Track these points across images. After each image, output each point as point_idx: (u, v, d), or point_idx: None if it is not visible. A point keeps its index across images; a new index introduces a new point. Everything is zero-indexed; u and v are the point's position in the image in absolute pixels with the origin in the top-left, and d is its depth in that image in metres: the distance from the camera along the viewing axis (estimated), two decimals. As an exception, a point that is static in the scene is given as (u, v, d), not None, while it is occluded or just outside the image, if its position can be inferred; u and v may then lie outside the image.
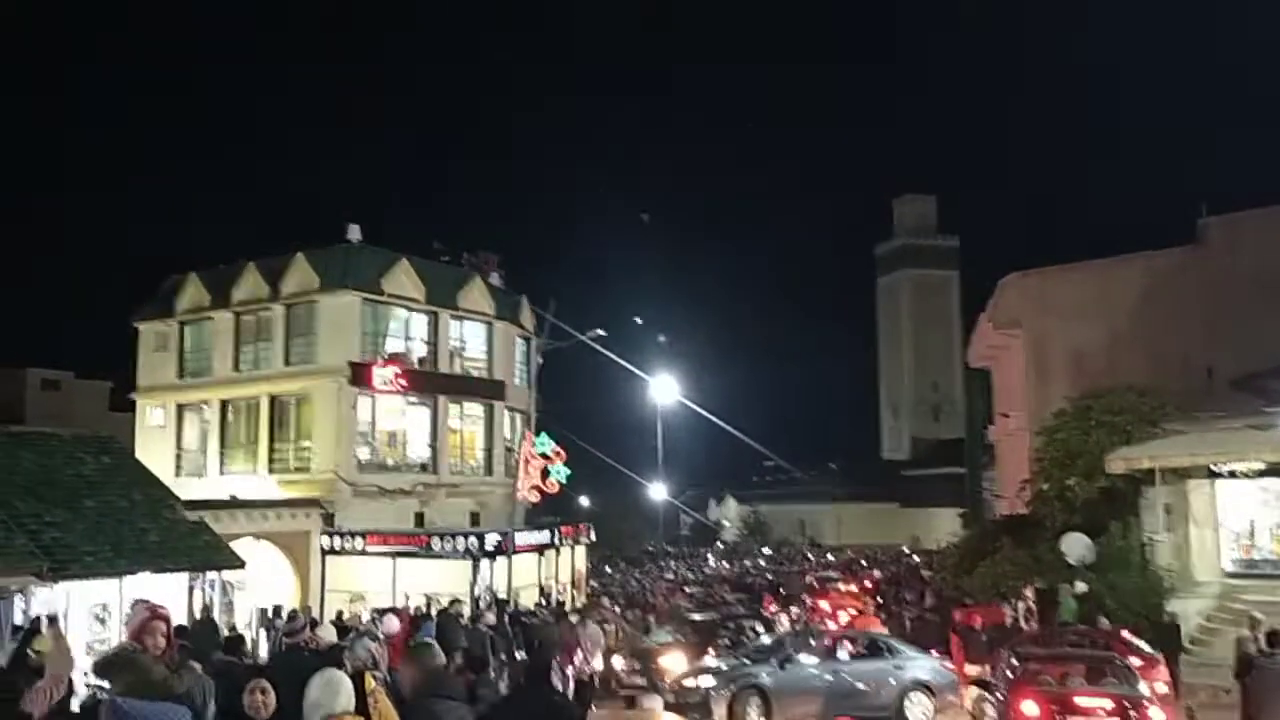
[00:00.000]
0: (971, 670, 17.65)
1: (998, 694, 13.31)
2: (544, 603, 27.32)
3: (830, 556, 67.53)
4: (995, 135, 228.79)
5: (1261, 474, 22.23)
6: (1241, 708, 12.27)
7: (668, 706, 15.90)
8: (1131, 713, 11.59)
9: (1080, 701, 11.95)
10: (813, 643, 17.71)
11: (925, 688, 16.81)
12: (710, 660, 18.38)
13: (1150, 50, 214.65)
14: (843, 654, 17.23)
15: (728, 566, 64.39)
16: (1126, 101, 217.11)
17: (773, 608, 29.14)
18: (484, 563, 27.32)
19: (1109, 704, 11.83)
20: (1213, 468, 22.89)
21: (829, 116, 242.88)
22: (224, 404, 31.67)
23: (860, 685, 16.59)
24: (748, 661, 17.08)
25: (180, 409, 32.80)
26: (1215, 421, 22.98)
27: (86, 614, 18.42)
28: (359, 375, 29.33)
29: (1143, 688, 12.36)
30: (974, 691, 15.98)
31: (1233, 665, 13.53)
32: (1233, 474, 22.80)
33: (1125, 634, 18.48)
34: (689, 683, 16.49)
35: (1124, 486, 23.78)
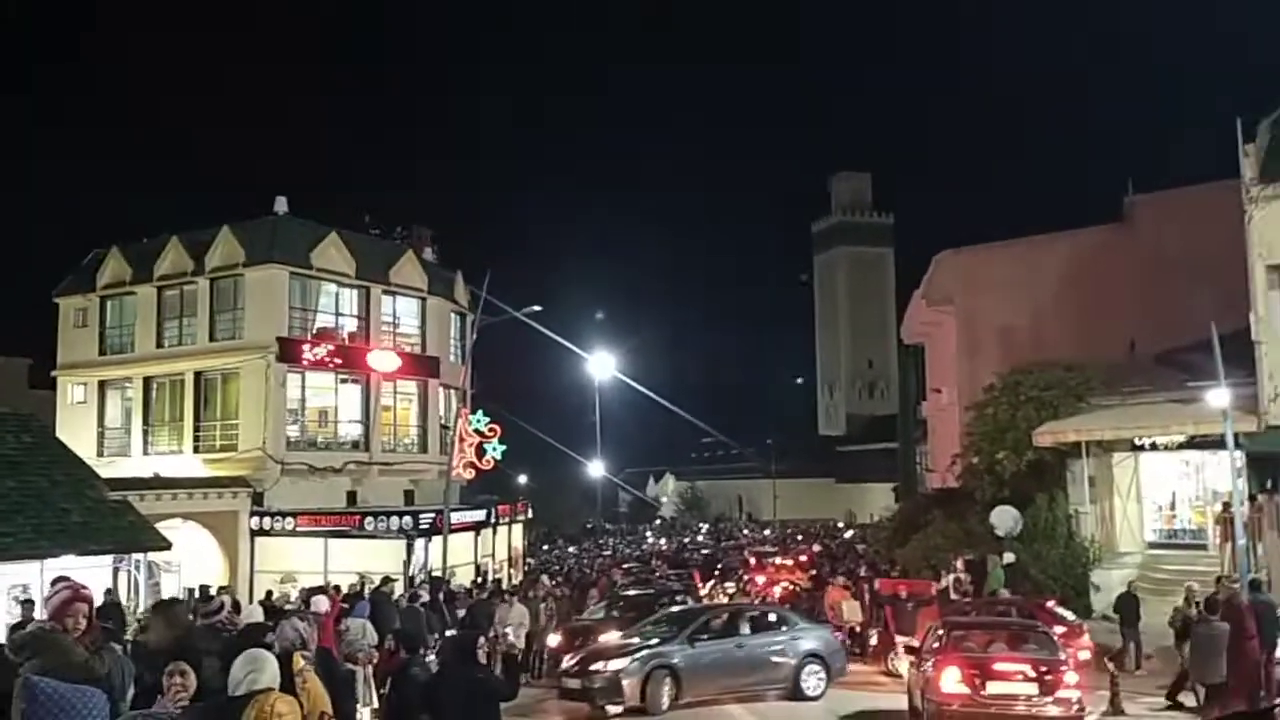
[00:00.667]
0: (901, 639, 17.71)
1: (926, 661, 13.57)
2: (480, 581, 27.14)
3: (767, 532, 68.15)
4: (932, 114, 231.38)
5: (1182, 446, 22.78)
6: (1180, 669, 12.70)
7: (573, 693, 15.42)
8: (1047, 676, 12.08)
9: (999, 667, 12.38)
10: (716, 618, 17.16)
11: (818, 658, 16.65)
12: (615, 637, 17.41)
13: (1088, 31, 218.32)
14: (744, 628, 16.79)
15: (665, 543, 64.74)
16: (1062, 81, 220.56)
17: (703, 586, 29.26)
18: (418, 542, 27.08)
19: (1027, 669, 12.26)
20: (1136, 441, 23.42)
21: (766, 94, 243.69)
22: (147, 381, 30.90)
23: (761, 659, 16.25)
24: (656, 640, 16.08)
25: (102, 386, 31.95)
26: (1139, 396, 23.48)
27: (5, 596, 17.90)
28: (288, 351, 28.78)
29: (1061, 654, 12.83)
30: (904, 661, 16.18)
31: (1176, 631, 13.96)
32: (1155, 447, 23.34)
33: (1050, 604, 18.88)
34: (598, 666, 15.40)
35: (1051, 460, 24.26)
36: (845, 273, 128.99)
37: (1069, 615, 18.54)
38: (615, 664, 15.24)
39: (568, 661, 16.32)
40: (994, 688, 12.14)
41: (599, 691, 15.09)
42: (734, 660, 16.06)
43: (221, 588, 19.31)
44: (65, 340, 32.97)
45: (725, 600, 30.55)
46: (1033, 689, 12.08)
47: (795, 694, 16.20)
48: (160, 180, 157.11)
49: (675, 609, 19.13)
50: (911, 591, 18.71)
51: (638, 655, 15.38)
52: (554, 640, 19.48)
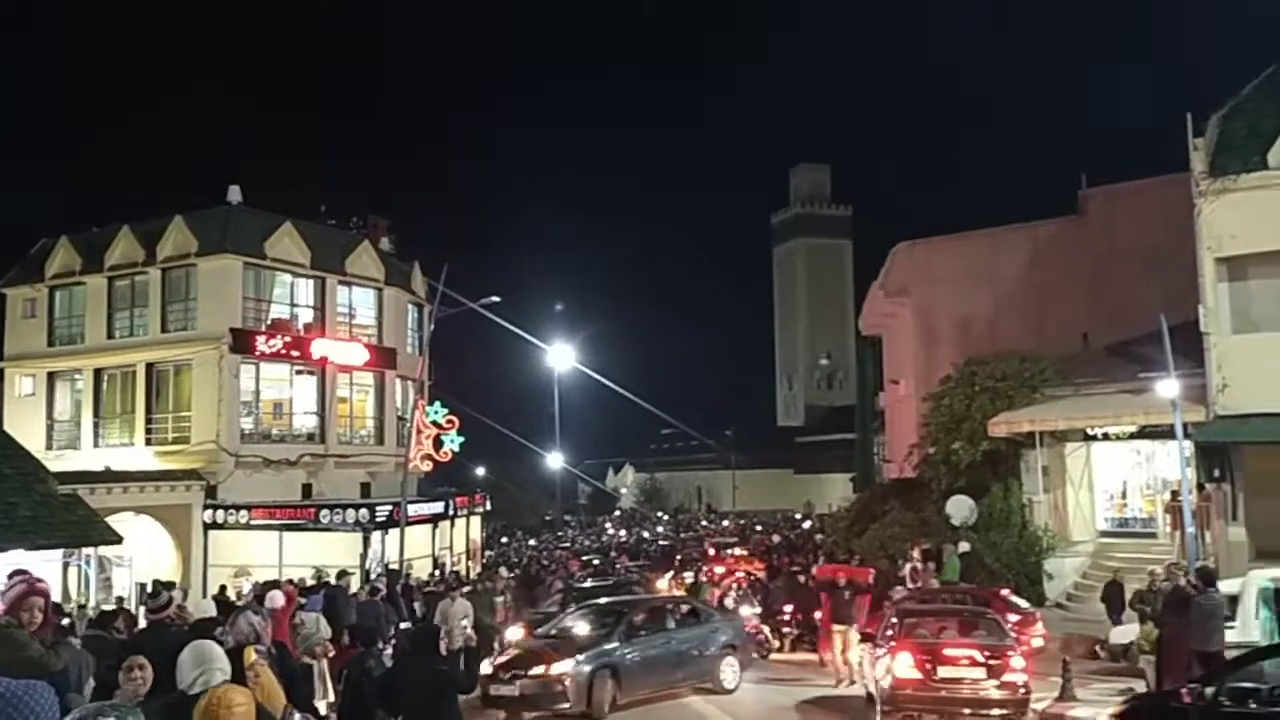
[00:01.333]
0: (838, 628, 17.18)
1: (880, 647, 13.93)
2: (437, 574, 26.99)
3: (725, 523, 68.41)
4: (891, 108, 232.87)
5: (1134, 436, 23.10)
6: (1169, 645, 12.97)
7: (505, 701, 14.12)
8: (994, 661, 12.59)
9: (949, 653, 12.87)
10: (643, 612, 16.58)
11: (734, 650, 16.57)
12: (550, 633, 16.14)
13: (1053, 29, 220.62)
14: (671, 622, 16.47)
15: (624, 534, 64.79)
16: (1022, 74, 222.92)
17: (660, 579, 29.24)
18: (375, 535, 26.89)
19: (975, 654, 12.77)
20: (1089, 431, 23.73)
21: (728, 84, 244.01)
22: (98, 373, 30.37)
23: (686, 654, 15.91)
24: (587, 637, 15.29)
25: (51, 378, 31.36)
26: (1092, 386, 23.80)
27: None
28: (241, 342, 28.41)
29: (1008, 639, 13.32)
30: (857, 651, 16.23)
31: (1161, 607, 14.01)
32: (1107, 436, 23.67)
33: (1005, 592, 19.12)
34: (538, 670, 14.06)
35: (1006, 450, 24.53)
36: (804, 264, 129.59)
37: (1023, 603, 18.78)
38: (559, 666, 14.06)
39: (490, 666, 14.43)
40: (944, 672, 12.60)
41: (540, 697, 13.94)
42: (665, 656, 15.55)
43: (167, 583, 18.90)
44: (13, 331, 32.33)
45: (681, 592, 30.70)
46: (980, 673, 12.55)
47: (715, 687, 15.87)
48: (109, 170, 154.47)
49: (601, 601, 18.40)
50: (850, 578, 18.13)
51: (581, 656, 14.37)
52: (516, 633, 19.22)
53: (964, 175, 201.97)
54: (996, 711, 12.46)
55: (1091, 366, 24.69)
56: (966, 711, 12.51)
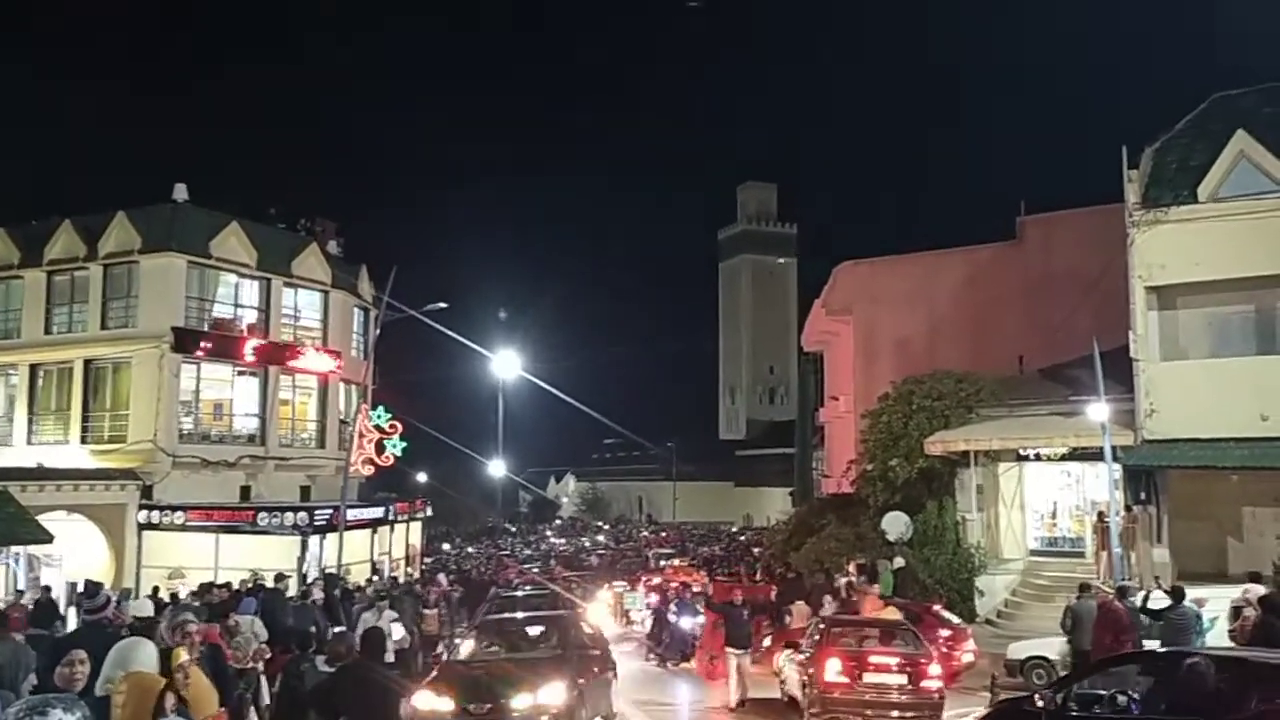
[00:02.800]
0: (733, 651, 16.06)
1: (804, 656, 14.66)
2: (375, 579, 26.86)
3: (663, 534, 68.72)
4: (839, 128, 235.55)
5: (1065, 458, 23.70)
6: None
7: None
8: (913, 669, 13.47)
9: (874, 660, 13.73)
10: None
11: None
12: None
13: (1001, 52, 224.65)
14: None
15: (564, 543, 64.79)
16: (968, 100, 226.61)
17: (600, 593, 29.29)
18: (313, 538, 26.68)
19: (897, 660, 13.71)
20: (1021, 451, 24.31)
21: (679, 101, 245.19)
22: (33, 368, 29.79)
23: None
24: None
25: (-15, 372, 30.70)
26: (1025, 408, 24.36)
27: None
28: (183, 341, 28.07)
29: (923, 649, 14.18)
30: (782, 656, 16.47)
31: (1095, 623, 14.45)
32: (1039, 457, 24.25)
33: (936, 607, 19.53)
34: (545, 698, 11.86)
35: (941, 468, 24.99)
36: (749, 280, 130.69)
37: (954, 619, 19.20)
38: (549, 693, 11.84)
39: (450, 700, 11.67)
40: (870, 678, 13.45)
41: None
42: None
43: (97, 583, 18.66)
44: (-55, 323, 31.58)
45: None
46: (903, 679, 13.39)
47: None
48: (48, 162, 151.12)
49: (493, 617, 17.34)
50: (749, 597, 17.37)
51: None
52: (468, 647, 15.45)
53: (907, 199, 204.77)
54: (913, 714, 13.23)
55: (1026, 388, 25.27)
56: (892, 714, 13.24)
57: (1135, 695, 8.66)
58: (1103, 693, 8.93)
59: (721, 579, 28.12)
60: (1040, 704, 9.30)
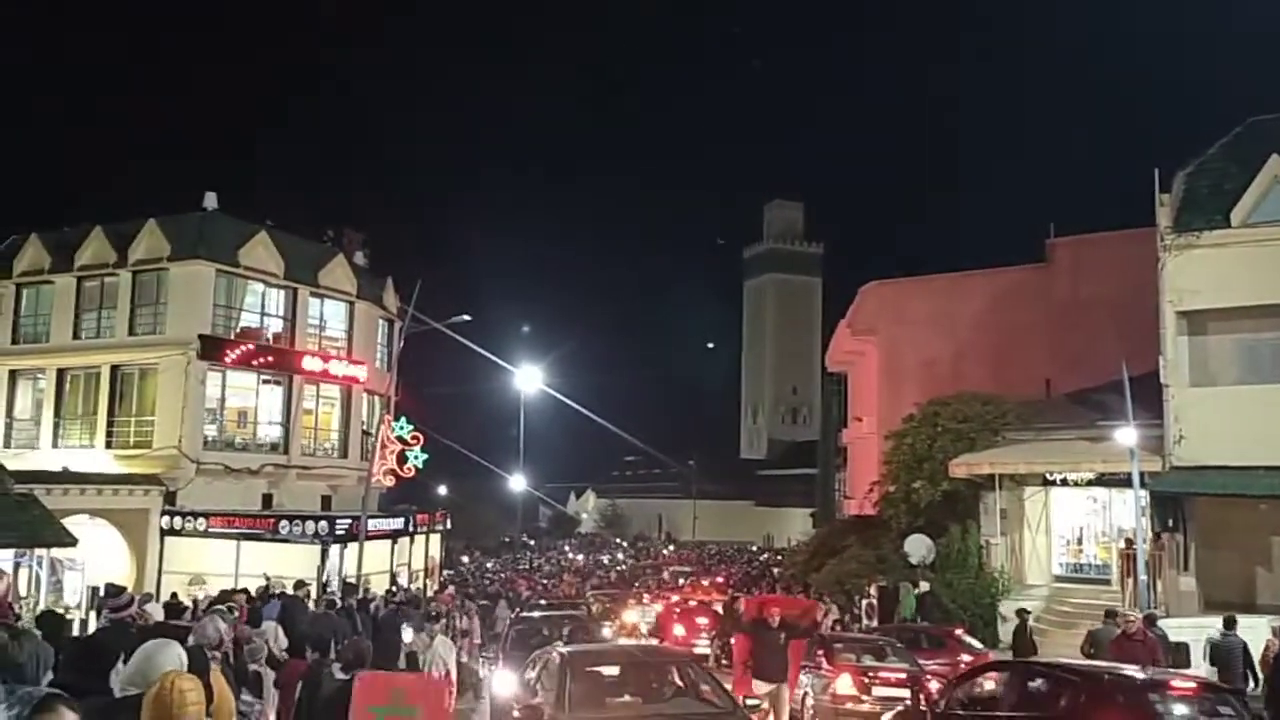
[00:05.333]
0: (761, 686, 12.89)
1: (813, 669, 15.30)
2: (394, 590, 26.83)
3: (678, 552, 68.57)
4: (868, 148, 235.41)
5: (1091, 483, 23.45)
6: None
7: None
8: (916, 684, 13.85)
9: (883, 674, 14.79)
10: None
11: None
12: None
13: (1026, 71, 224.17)
14: None
15: (581, 559, 64.70)
16: (1000, 121, 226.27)
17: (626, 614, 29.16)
18: (334, 548, 26.69)
19: (902, 675, 14.64)
20: (1047, 476, 24.05)
21: (708, 117, 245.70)
22: (61, 373, 30.02)
23: None
24: None
25: (13, 375, 30.96)
26: (1052, 432, 24.12)
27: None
28: (209, 349, 28.25)
29: (919, 665, 15.25)
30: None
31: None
32: (1065, 482, 24.00)
33: (959, 631, 19.33)
34: None
35: (965, 491, 24.78)
36: (774, 299, 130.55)
37: (976, 644, 18.98)
38: None
39: None
40: (878, 691, 14.33)
41: None
42: None
43: (120, 587, 18.61)
44: (-25, 327, 31.92)
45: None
46: (906, 692, 13.65)
47: None
48: (82, 169, 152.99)
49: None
50: (784, 617, 13.46)
51: None
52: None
53: (935, 220, 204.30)
54: None
55: (1053, 412, 25.04)
56: None
57: (997, 697, 10.18)
58: (976, 696, 10.51)
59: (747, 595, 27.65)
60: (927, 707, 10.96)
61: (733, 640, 15.74)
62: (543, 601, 27.43)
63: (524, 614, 22.63)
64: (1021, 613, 19.73)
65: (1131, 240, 24.40)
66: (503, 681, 13.45)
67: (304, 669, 11.45)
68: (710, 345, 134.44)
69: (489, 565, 57.15)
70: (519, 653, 15.34)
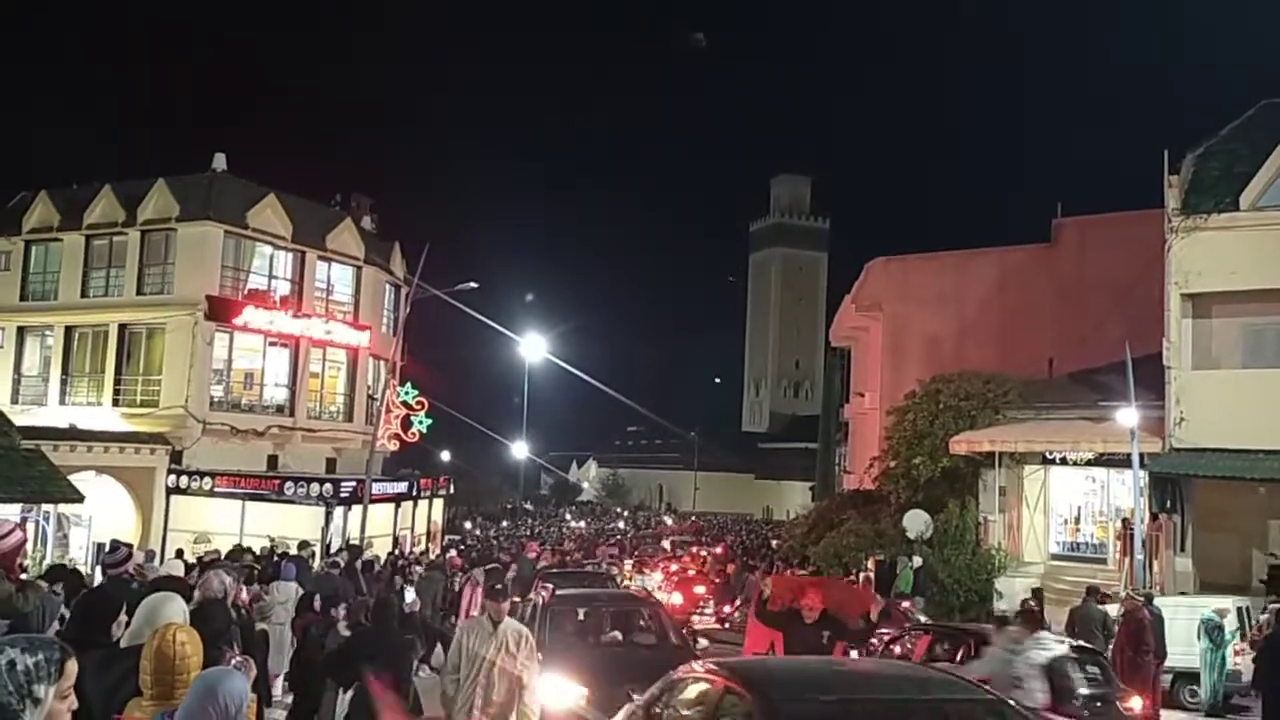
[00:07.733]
0: None
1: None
2: (396, 553, 27.08)
3: (691, 520, 68.90)
4: (875, 123, 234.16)
5: (1091, 463, 23.53)
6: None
7: None
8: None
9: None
10: None
11: None
12: None
13: (1039, 55, 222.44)
14: None
15: (582, 526, 65.06)
16: (1006, 100, 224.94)
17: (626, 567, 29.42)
18: (338, 510, 26.95)
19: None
20: (1047, 454, 24.13)
21: (713, 93, 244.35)
22: (69, 330, 30.21)
23: None
24: None
25: (21, 332, 31.16)
26: (1053, 411, 24.20)
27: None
28: (217, 310, 28.38)
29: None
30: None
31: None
32: (1064, 461, 24.08)
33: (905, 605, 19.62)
34: None
35: (965, 468, 24.88)
36: (779, 273, 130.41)
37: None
38: None
39: None
40: None
41: None
42: None
43: (125, 544, 18.83)
44: (-15, 284, 32.06)
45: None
46: None
47: None
48: (88, 127, 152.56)
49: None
50: (831, 608, 10.57)
51: None
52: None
53: (942, 198, 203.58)
54: None
55: (1054, 391, 25.09)
56: None
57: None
58: None
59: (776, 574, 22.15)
60: None
61: (747, 628, 12.63)
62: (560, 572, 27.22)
63: (558, 591, 14.81)
64: (1029, 598, 19.82)
65: (1138, 221, 24.38)
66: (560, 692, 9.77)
67: (309, 623, 11.73)
68: (732, 279, 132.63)
69: (490, 531, 57.38)
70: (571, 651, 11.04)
